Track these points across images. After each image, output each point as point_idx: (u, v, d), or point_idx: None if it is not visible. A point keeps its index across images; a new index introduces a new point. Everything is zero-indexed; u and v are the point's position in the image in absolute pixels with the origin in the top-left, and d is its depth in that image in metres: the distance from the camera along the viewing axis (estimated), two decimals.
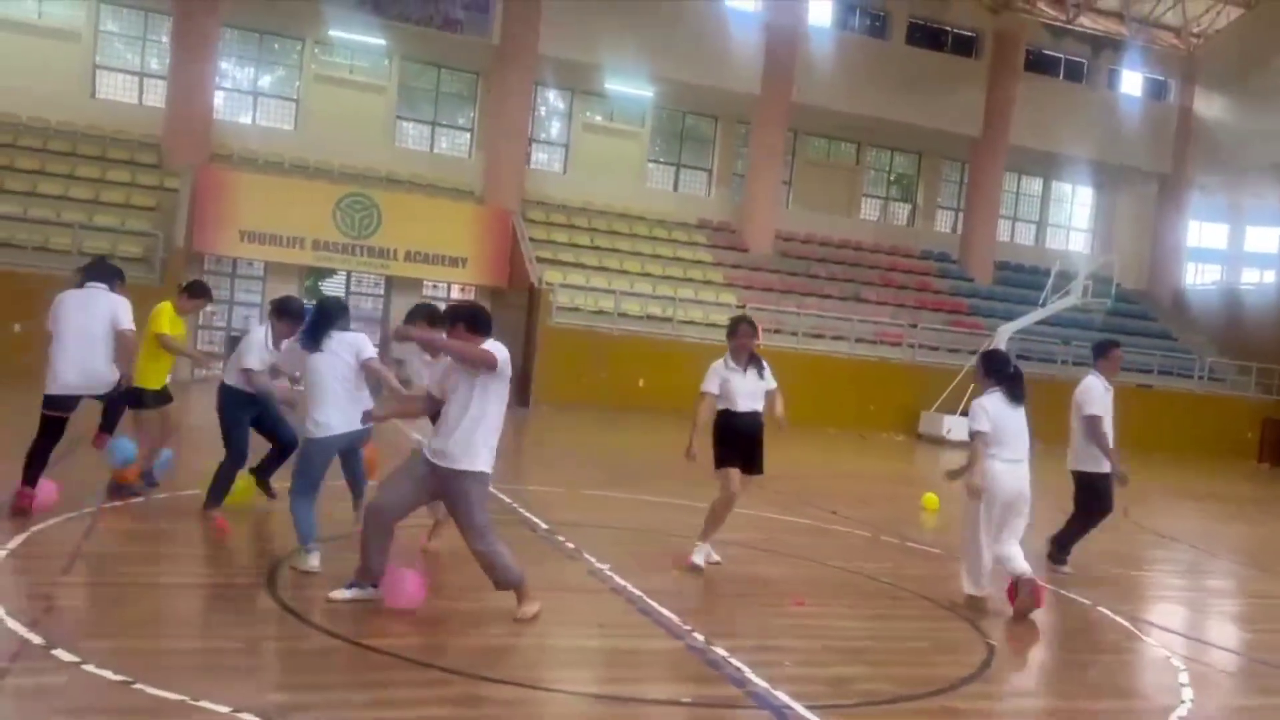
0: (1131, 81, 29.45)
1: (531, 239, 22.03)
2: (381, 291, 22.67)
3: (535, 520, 7.72)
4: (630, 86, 24.65)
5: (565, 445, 14.77)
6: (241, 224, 20.06)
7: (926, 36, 27.16)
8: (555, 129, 26.07)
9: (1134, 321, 26.75)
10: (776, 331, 21.58)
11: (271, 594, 5.15)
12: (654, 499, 9.47)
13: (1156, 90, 29.58)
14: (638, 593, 5.84)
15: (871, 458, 17.18)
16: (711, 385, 6.75)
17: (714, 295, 22.57)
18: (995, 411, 6.12)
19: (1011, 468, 6.12)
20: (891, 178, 29.50)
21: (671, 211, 25.40)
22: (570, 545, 6.99)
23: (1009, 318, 24.24)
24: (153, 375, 7.33)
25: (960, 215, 29.30)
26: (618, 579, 6.17)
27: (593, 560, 6.59)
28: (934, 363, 22.12)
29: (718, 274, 23.52)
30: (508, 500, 8.24)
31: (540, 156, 25.43)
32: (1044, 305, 21.50)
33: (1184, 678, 5.05)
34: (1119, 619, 6.29)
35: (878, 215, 29.16)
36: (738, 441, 6.66)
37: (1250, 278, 33.35)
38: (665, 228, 24.70)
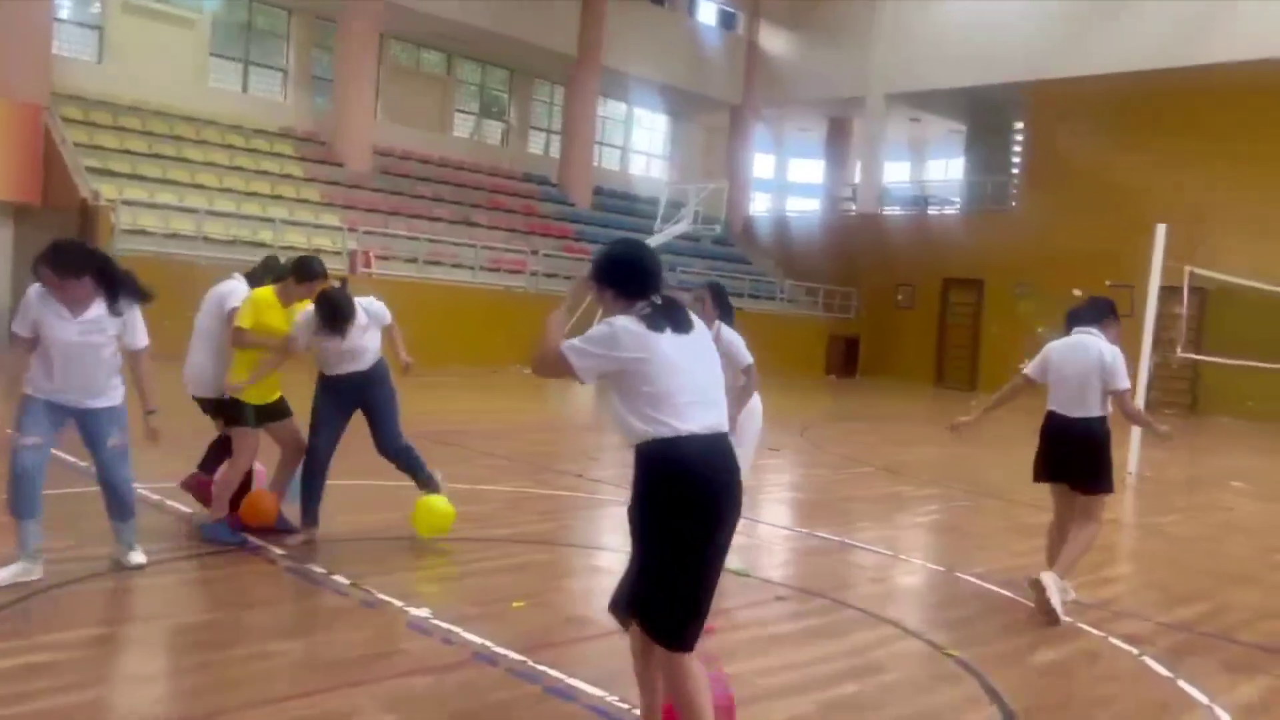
0: (707, 10, 30.38)
1: (75, 144, 17.30)
2: None
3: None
4: None
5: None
6: None
7: None
8: (85, 7, 20.78)
9: (712, 246, 27.89)
10: (387, 258, 19.21)
11: None
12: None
13: (728, 20, 30.80)
14: None
15: (515, 395, 15.83)
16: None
17: (313, 216, 19.49)
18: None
19: None
20: (484, 94, 27.81)
21: (244, 116, 21.50)
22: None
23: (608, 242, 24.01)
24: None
25: (552, 138, 28.53)
26: None
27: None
28: (557, 291, 21.15)
29: (313, 191, 20.37)
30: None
31: (66, 40, 20.10)
32: (659, 233, 21.45)
33: None
34: None
35: (471, 133, 27.39)
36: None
37: (793, 207, 36.66)
38: (241, 135, 20.85)
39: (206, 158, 19.53)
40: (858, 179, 31.96)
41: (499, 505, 7.00)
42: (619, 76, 27.14)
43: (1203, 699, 4.14)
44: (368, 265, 18.51)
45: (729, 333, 5.68)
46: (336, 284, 5.65)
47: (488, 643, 4.21)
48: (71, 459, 6.14)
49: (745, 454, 5.23)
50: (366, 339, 5.73)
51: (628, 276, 3.13)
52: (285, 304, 5.63)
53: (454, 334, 17.95)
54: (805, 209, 35.14)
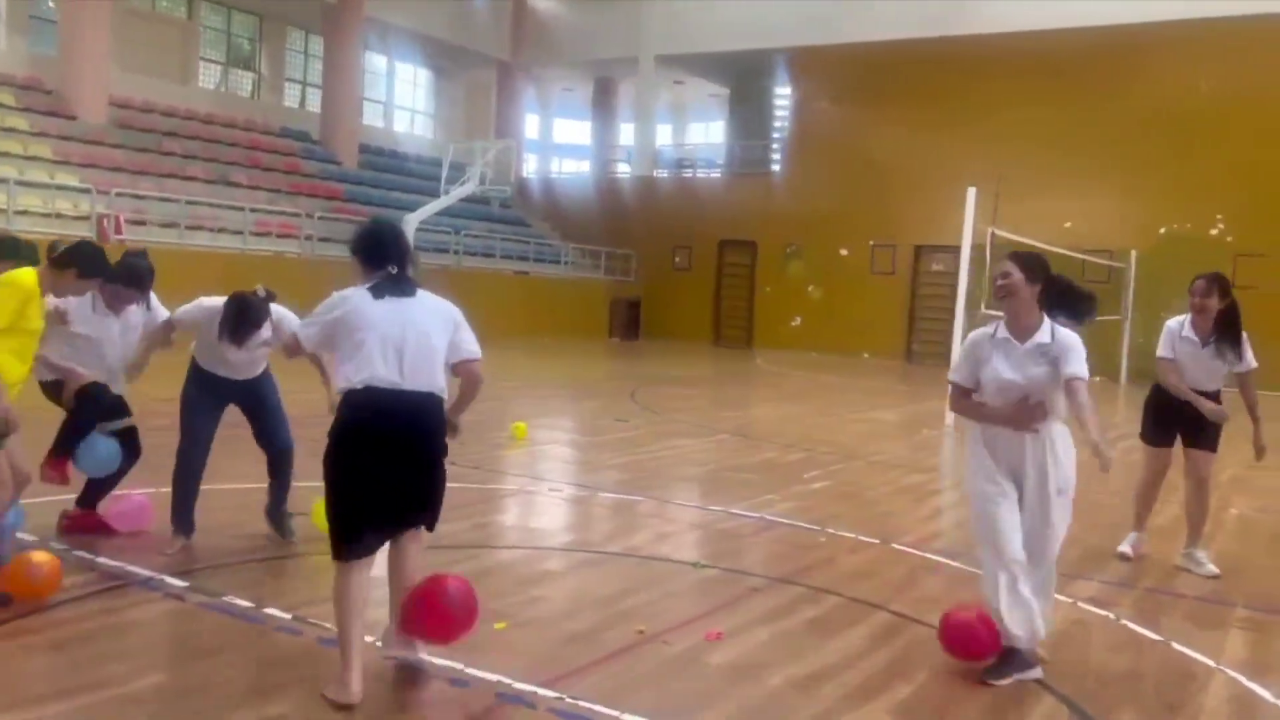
0: None
1: None
2: None
3: None
4: None
5: None
6: None
7: None
8: None
9: (492, 209, 26.96)
10: (141, 223, 17.08)
11: None
12: None
13: None
14: None
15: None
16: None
17: (46, 175, 16.96)
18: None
19: None
20: (230, 41, 25.30)
21: None
22: None
23: (387, 205, 22.80)
24: None
25: (309, 91, 26.49)
26: None
27: None
28: (332, 255, 19.64)
29: (44, 147, 17.72)
30: None
31: None
32: (445, 194, 20.43)
33: None
34: None
35: (217, 83, 24.89)
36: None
37: (560, 168, 36.23)
38: None
39: None
40: (625, 141, 32.02)
41: None
42: (379, 27, 25.58)
43: (1209, 662, 4.27)
44: (119, 232, 16.38)
45: (1064, 336, 3.97)
46: (261, 291, 4.86)
47: (503, 678, 3.66)
48: None
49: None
50: (263, 351, 5.12)
51: (368, 250, 3.70)
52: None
53: None
54: (575, 171, 34.86)
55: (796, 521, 6.46)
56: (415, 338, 3.54)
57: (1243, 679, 4.08)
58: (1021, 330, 3.98)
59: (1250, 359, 5.59)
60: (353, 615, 3.47)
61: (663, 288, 27.06)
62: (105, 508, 5.25)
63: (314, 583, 4.69)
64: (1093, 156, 21.28)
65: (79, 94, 19.15)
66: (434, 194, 21.84)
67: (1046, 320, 3.99)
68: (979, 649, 3.93)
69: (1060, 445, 3.95)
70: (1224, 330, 5.55)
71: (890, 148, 23.66)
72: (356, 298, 3.59)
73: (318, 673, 3.66)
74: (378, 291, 3.58)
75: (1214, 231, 19.89)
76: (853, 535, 6.18)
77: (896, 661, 4.09)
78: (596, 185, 30.17)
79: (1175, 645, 4.43)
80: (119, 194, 16.84)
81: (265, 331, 4.94)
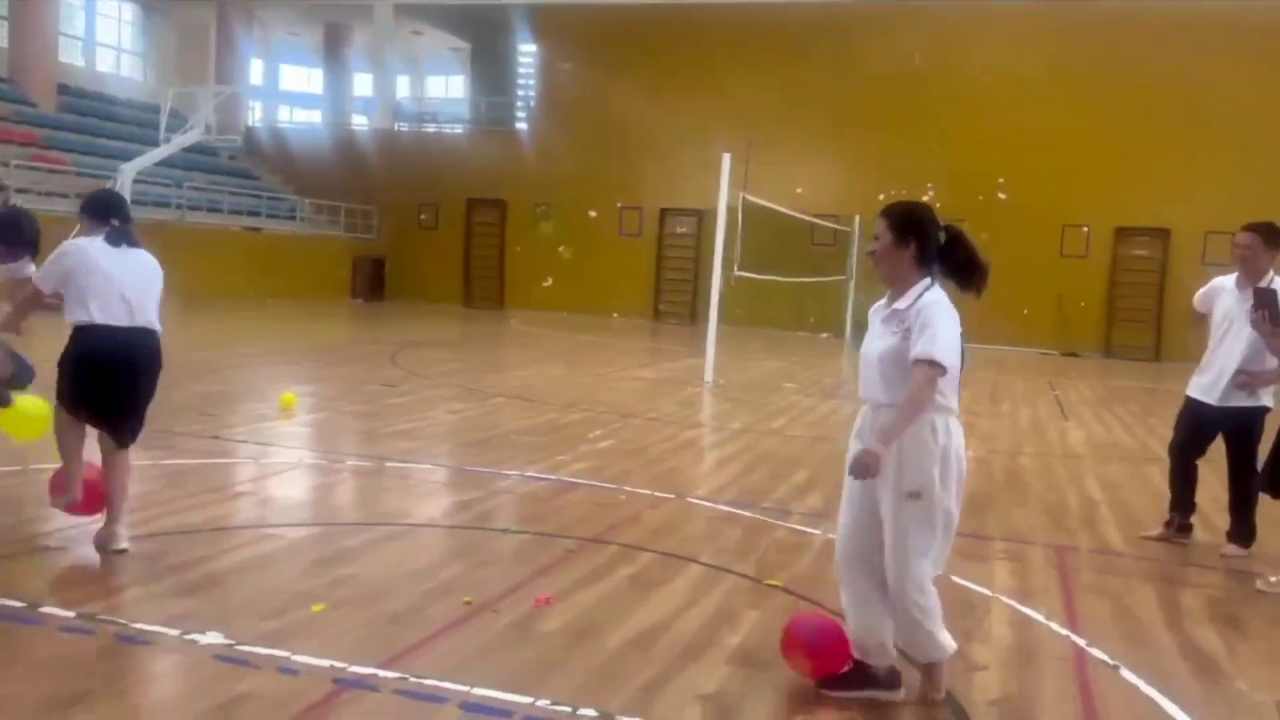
0: None
1: None
2: None
3: None
4: None
5: None
6: None
7: None
8: None
9: (205, 159, 24.92)
10: None
11: None
12: None
13: None
14: None
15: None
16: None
17: None
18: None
19: None
20: None
21: None
22: None
23: (93, 153, 20.69)
24: None
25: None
26: None
27: None
28: (38, 209, 17.49)
29: None
30: None
31: None
32: (165, 143, 18.69)
33: None
34: None
35: None
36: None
37: (287, 118, 34.11)
38: None
39: None
40: (360, 91, 30.64)
41: (155, 485, 5.74)
42: None
43: (985, 591, 4.75)
44: None
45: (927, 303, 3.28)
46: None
47: (336, 663, 3.47)
48: None
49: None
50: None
51: (94, 208, 4.57)
52: None
53: None
54: (304, 121, 32.95)
55: (593, 481, 6.54)
56: (140, 286, 4.48)
57: (1015, 604, 4.58)
58: (893, 295, 3.38)
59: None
60: (71, 442, 4.57)
61: (408, 246, 26.27)
62: None
63: (96, 576, 4.24)
64: (820, 125, 22.71)
65: None
66: (148, 142, 20.00)
67: (924, 284, 3.29)
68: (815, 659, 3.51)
69: (914, 437, 3.20)
70: None
71: (635, 111, 24.10)
72: (82, 245, 4.43)
73: (120, 672, 3.32)
74: (109, 240, 4.49)
75: (925, 198, 21.80)
76: (649, 492, 6.33)
77: (720, 612, 4.24)
78: (332, 137, 28.69)
79: (954, 579, 4.89)
80: None
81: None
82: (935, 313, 3.19)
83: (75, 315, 4.36)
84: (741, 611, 4.25)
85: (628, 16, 23.85)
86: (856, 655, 3.46)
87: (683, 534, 5.52)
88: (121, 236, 4.52)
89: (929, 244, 3.32)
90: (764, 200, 14.41)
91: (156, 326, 4.53)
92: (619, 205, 24.78)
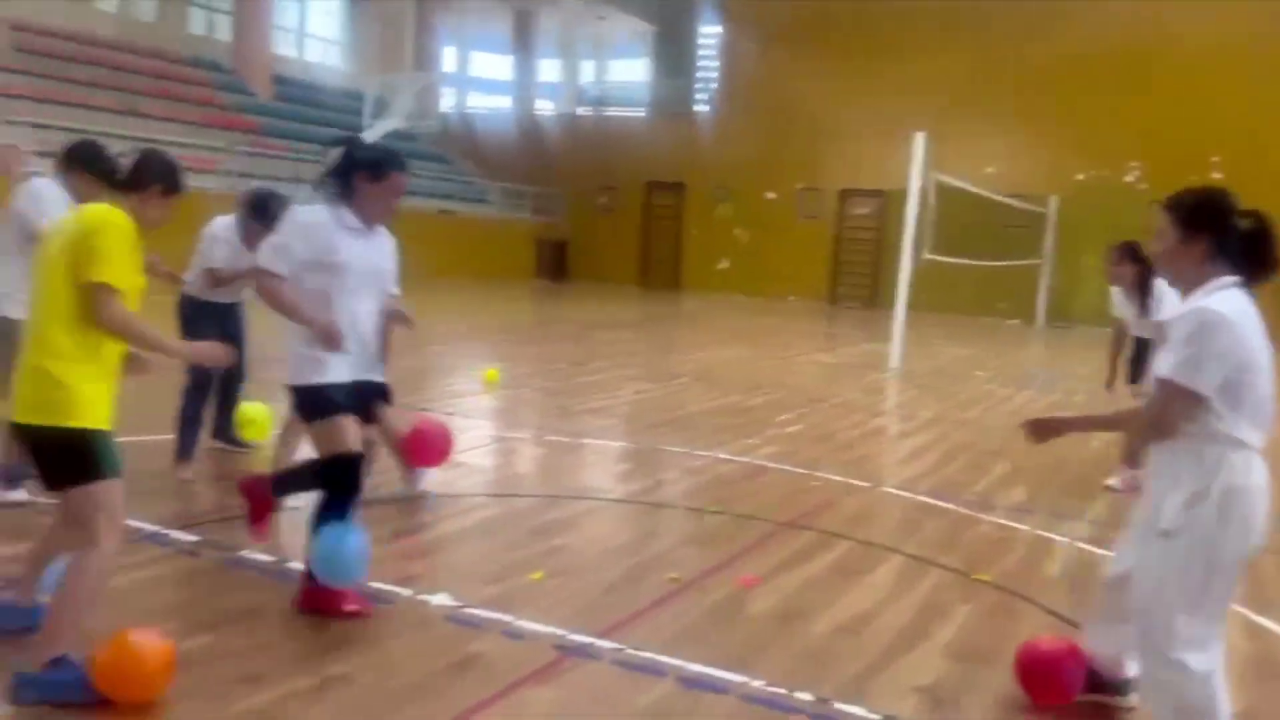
0: None
1: None
2: None
3: None
4: None
5: None
6: None
7: None
8: None
9: (403, 144, 26.15)
10: (45, 154, 16.07)
11: None
12: None
13: None
14: None
15: None
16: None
17: None
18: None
19: None
20: None
21: None
22: None
23: (304, 139, 21.96)
24: None
25: (216, 18, 25.15)
26: None
27: None
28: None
29: None
30: None
31: None
32: (369, 129, 19.74)
33: None
34: None
35: (117, 7, 23.42)
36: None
37: (477, 104, 35.27)
38: None
39: None
40: (545, 77, 31.36)
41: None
42: None
43: None
44: (24, 164, 15.40)
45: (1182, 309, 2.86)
46: None
47: (556, 630, 3.63)
48: None
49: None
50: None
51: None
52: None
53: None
54: (491, 106, 34.02)
55: (785, 465, 6.54)
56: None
57: (1251, 614, 4.30)
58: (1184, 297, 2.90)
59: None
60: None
61: (589, 229, 26.80)
62: None
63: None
64: (1013, 100, 21.69)
65: None
66: (352, 128, 21.04)
67: (1215, 283, 2.78)
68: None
69: (1169, 467, 2.79)
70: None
71: (817, 91, 23.71)
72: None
73: (368, 630, 3.58)
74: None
75: (1129, 179, 20.56)
76: (842, 479, 6.28)
77: (930, 605, 4.18)
78: (519, 122, 29.55)
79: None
80: (22, 124, 15.80)
81: None
82: (1200, 322, 2.68)
83: None
84: (952, 605, 4.18)
85: None
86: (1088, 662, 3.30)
87: (881, 523, 5.46)
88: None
89: (1225, 236, 2.78)
90: (953, 179, 13.94)
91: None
92: (798, 187, 24.49)
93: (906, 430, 8.35)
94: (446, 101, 32.16)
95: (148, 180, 3.09)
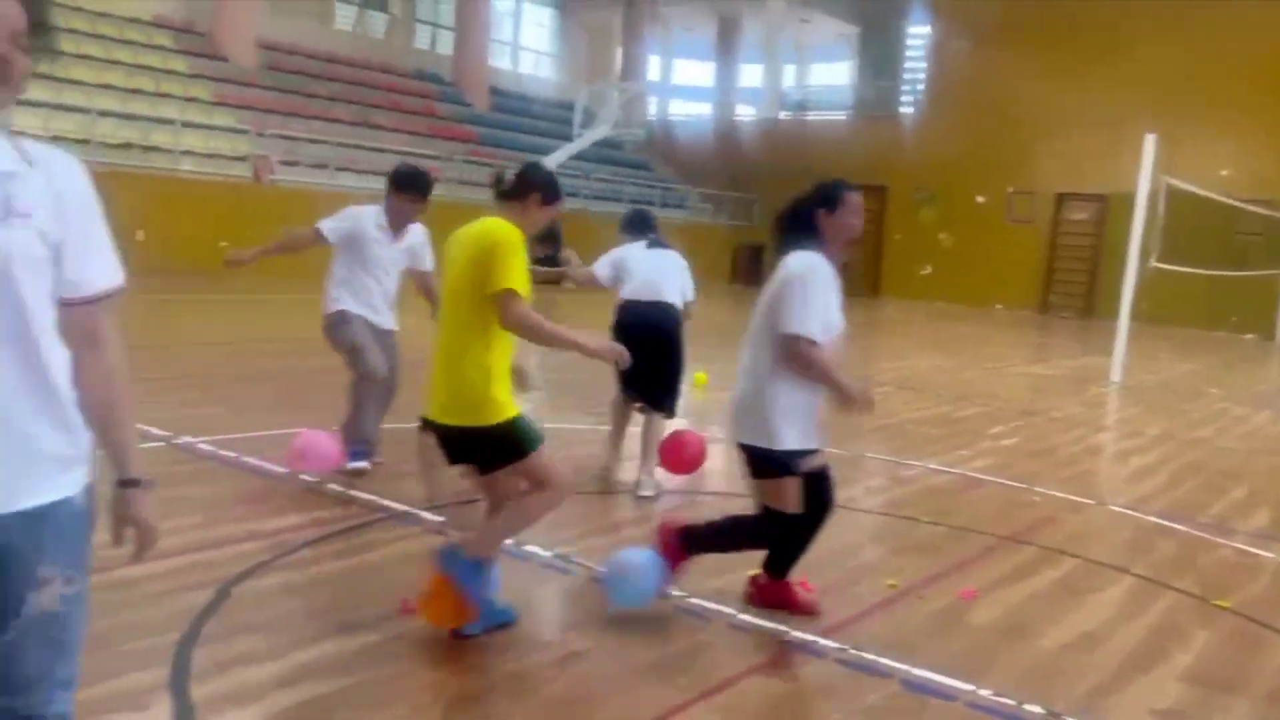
0: None
1: None
2: None
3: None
4: None
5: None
6: None
7: None
8: None
9: (608, 151, 26.92)
10: (293, 164, 17.60)
11: None
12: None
13: None
14: None
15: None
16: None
17: (205, 116, 17.59)
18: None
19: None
20: None
21: (111, 3, 19.07)
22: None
23: (517, 149, 22.95)
24: None
25: (439, 33, 26.74)
26: None
27: None
28: (468, 200, 19.92)
29: (202, 89, 18.34)
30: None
31: None
32: (578, 137, 20.49)
33: None
34: None
35: (353, 25, 25.30)
36: None
37: (679, 110, 35.86)
38: (112, 24, 18.48)
39: (80, 49, 17.20)
40: (746, 82, 31.50)
41: (596, 447, 6.41)
42: None
43: None
44: (273, 172, 16.93)
45: None
46: None
47: (779, 625, 3.74)
48: None
49: None
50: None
51: (632, 225, 5.91)
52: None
53: None
54: (692, 112, 34.48)
55: (1001, 479, 6.40)
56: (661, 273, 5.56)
57: None
58: None
59: None
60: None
61: None
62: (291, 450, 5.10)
63: (563, 520, 4.86)
64: (1250, 97, 20.12)
65: (228, 36, 19.71)
66: (562, 137, 21.90)
67: None
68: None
69: None
70: None
71: (1032, 89, 22.73)
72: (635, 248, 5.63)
73: (605, 614, 3.80)
74: (650, 245, 5.68)
75: None
76: (1064, 495, 6.09)
77: (1164, 628, 4.03)
78: (718, 128, 29.81)
79: None
80: (281, 136, 17.35)
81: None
82: None
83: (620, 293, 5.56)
84: (1190, 630, 4.01)
85: None
86: None
87: (1109, 542, 5.27)
88: (655, 242, 5.71)
89: None
90: (1184, 183, 13.08)
91: (675, 302, 5.54)
92: (1009, 190, 23.57)
93: (1132, 447, 7.96)
94: (651, 109, 32.88)
95: (528, 190, 3.43)
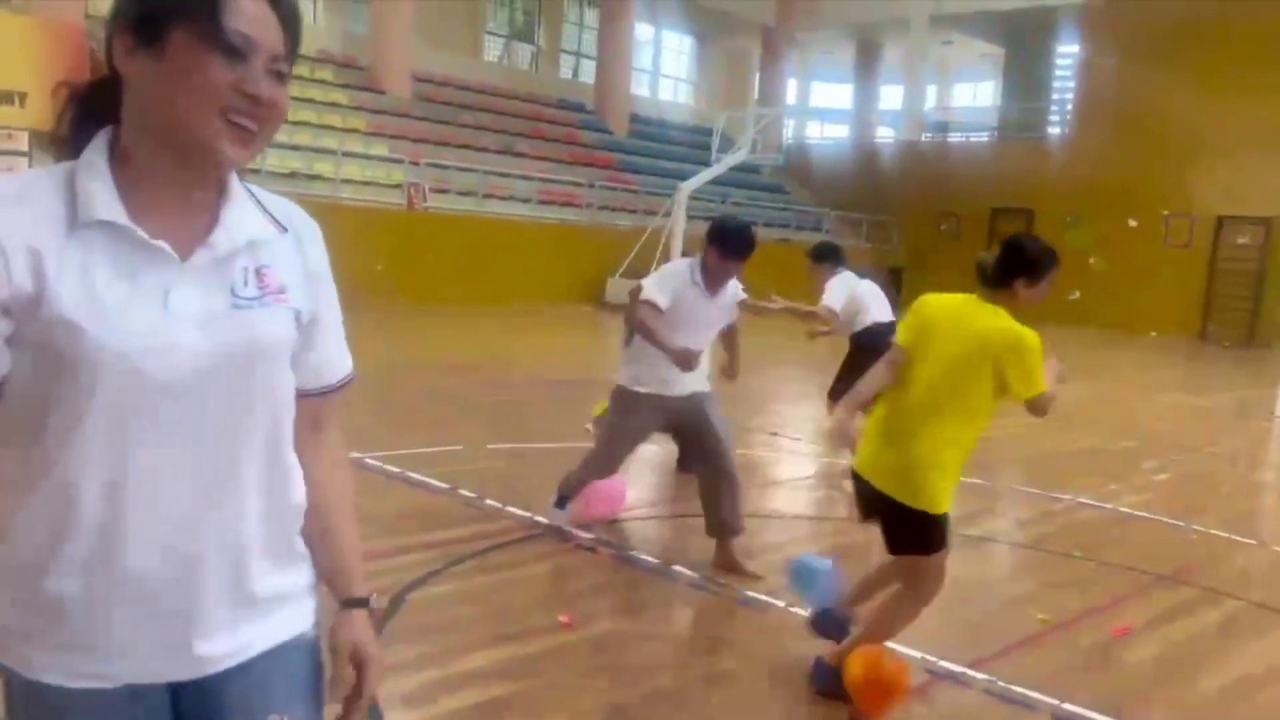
0: None
1: None
2: None
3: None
4: None
5: None
6: None
7: None
8: None
9: (744, 175, 27.00)
10: (443, 191, 18.38)
11: None
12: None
13: None
14: None
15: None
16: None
17: (363, 146, 18.55)
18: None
19: None
20: (512, 14, 26.61)
21: None
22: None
23: (654, 174, 23.31)
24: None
25: (581, 62, 27.45)
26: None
27: None
28: (608, 225, 20.41)
29: (360, 120, 19.38)
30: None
31: None
32: (716, 163, 20.67)
33: None
34: None
35: (500, 57, 26.25)
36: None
37: (816, 133, 35.76)
38: None
39: None
40: (884, 104, 31.16)
41: None
42: None
43: None
44: (425, 199, 17.71)
45: None
46: None
47: (928, 655, 3.76)
48: None
49: None
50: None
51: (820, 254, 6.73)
52: None
53: (516, 269, 17.22)
54: (830, 135, 34.30)
55: (1157, 515, 6.20)
56: None
57: None
58: None
59: None
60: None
61: (927, 257, 26.22)
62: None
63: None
64: None
65: (386, 69, 20.72)
66: (700, 162, 22.10)
67: None
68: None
69: None
70: None
71: (1188, 108, 21.75)
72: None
73: (750, 636, 3.91)
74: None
75: None
76: (1226, 535, 5.86)
77: None
78: (856, 150, 29.57)
79: None
80: (431, 164, 18.16)
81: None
82: None
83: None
84: None
85: (1188, 2, 21.56)
86: None
87: (1273, 585, 5.06)
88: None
89: None
90: None
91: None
92: (1165, 214, 22.57)
93: None
94: (787, 133, 32.87)
95: (1020, 272, 3.26)
